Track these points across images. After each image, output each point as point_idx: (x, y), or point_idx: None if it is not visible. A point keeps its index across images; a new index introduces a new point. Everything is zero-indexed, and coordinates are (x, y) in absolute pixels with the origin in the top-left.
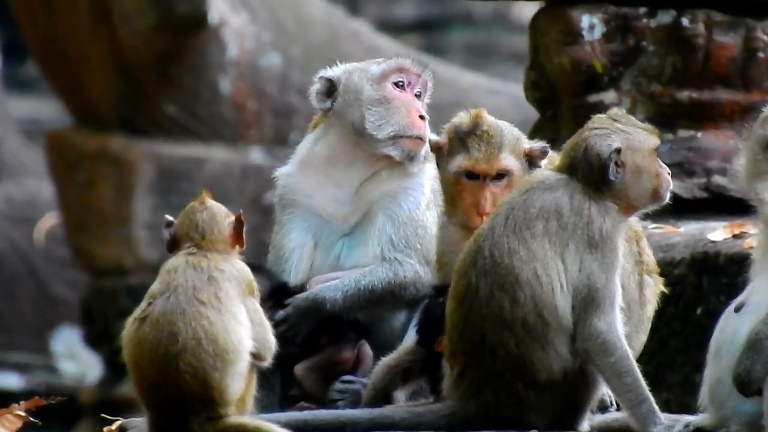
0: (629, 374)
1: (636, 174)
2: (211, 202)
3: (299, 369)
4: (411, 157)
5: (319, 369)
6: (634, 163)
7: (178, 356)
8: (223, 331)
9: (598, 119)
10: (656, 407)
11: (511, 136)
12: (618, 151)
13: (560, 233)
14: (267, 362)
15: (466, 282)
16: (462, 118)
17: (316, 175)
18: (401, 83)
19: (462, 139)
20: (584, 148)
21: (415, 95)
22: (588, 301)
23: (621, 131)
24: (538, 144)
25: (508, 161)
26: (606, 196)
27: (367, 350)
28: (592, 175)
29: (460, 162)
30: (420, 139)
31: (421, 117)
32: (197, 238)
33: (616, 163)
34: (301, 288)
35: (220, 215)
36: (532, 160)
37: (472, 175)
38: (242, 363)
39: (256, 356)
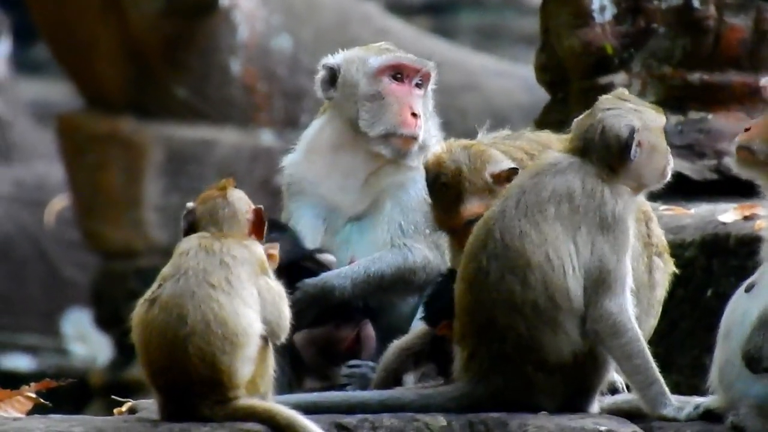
0: (639, 356)
1: (650, 152)
2: (234, 196)
3: (299, 338)
4: (403, 155)
5: (317, 342)
6: (648, 142)
7: (187, 339)
8: (233, 315)
9: (607, 100)
10: (666, 389)
11: (473, 173)
12: (637, 130)
13: (572, 216)
14: (281, 339)
15: (476, 265)
16: (426, 164)
17: (323, 162)
18: (399, 76)
19: (429, 188)
20: (601, 129)
21: (416, 85)
22: (599, 283)
23: (634, 111)
24: (504, 167)
25: (472, 208)
26: (619, 178)
27: (370, 331)
28: (610, 156)
29: (434, 214)
30: (411, 137)
31: (414, 114)
32: (216, 233)
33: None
34: (312, 257)
35: (241, 212)
36: (503, 181)
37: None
38: (251, 347)
39: (270, 334)
